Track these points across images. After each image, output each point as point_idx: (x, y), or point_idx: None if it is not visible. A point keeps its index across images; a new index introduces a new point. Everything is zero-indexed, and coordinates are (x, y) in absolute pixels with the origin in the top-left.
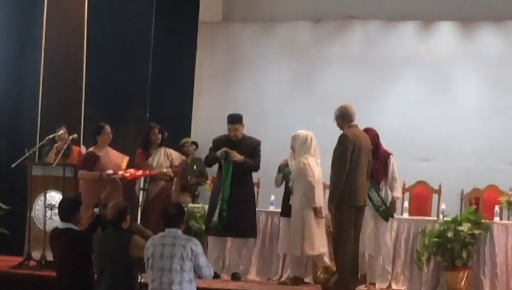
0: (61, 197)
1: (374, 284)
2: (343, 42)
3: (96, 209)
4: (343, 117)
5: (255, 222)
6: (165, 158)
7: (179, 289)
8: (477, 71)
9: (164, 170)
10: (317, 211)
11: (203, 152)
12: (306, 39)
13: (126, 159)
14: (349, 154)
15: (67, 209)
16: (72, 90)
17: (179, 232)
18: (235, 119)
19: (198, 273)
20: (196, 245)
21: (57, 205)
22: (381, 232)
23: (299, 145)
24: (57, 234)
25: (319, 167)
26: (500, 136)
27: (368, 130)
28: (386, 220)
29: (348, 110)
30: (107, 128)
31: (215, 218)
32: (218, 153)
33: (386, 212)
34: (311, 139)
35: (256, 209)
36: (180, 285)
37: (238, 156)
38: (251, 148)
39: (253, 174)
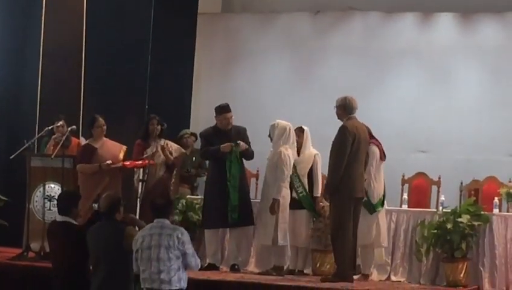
0: (59, 189)
1: (367, 276)
2: (343, 34)
3: (95, 205)
4: (345, 108)
5: (252, 210)
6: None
7: (167, 278)
8: (477, 63)
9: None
10: (274, 204)
11: None
12: (305, 30)
13: (124, 148)
14: (349, 145)
15: (65, 202)
16: (71, 81)
17: (166, 222)
18: (226, 109)
19: (184, 263)
20: (182, 234)
21: (55, 197)
22: (362, 222)
23: (278, 135)
24: (55, 227)
25: (293, 160)
26: (500, 127)
27: None
28: (370, 212)
29: (351, 102)
30: (100, 120)
31: (234, 215)
32: (224, 147)
33: (367, 205)
34: (290, 130)
35: (256, 200)
36: (168, 274)
37: (244, 145)
38: (241, 136)
39: (253, 165)
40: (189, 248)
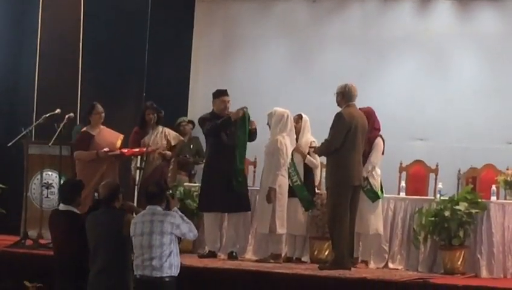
0: (57, 176)
1: (366, 262)
2: (341, 21)
3: (96, 194)
4: (344, 95)
5: (248, 196)
6: (161, 137)
7: (158, 264)
8: (474, 50)
9: (162, 151)
10: (270, 193)
11: (199, 131)
12: (303, 18)
13: (121, 137)
14: (344, 133)
15: (69, 192)
16: (68, 69)
17: (158, 208)
18: (224, 92)
19: (183, 239)
20: (174, 217)
21: (53, 184)
22: (365, 210)
23: (275, 122)
24: (57, 216)
25: (292, 147)
26: (497, 115)
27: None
28: (372, 200)
29: (350, 90)
30: (99, 107)
31: (240, 178)
32: (234, 113)
33: (370, 192)
34: (287, 117)
35: (253, 188)
36: (160, 260)
37: (254, 124)
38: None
39: (251, 153)
40: (184, 227)
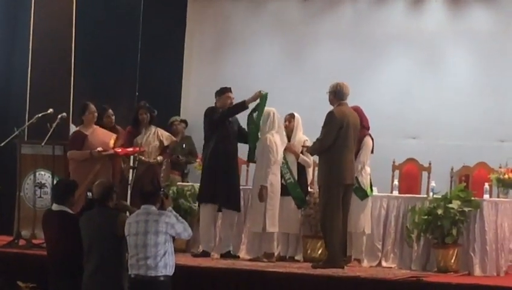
0: (50, 176)
1: (359, 261)
2: (333, 19)
3: (89, 193)
4: (335, 94)
5: (239, 196)
6: (154, 137)
7: (153, 264)
8: (467, 48)
9: (152, 161)
10: (261, 191)
11: (192, 130)
12: (296, 16)
13: (114, 137)
14: (336, 130)
15: (62, 192)
16: (61, 68)
17: (153, 208)
18: (229, 89)
19: (178, 237)
20: (169, 217)
21: (46, 184)
22: (353, 209)
23: (262, 121)
24: (50, 216)
25: (283, 145)
26: (490, 113)
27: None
28: (361, 198)
29: (342, 88)
30: (92, 107)
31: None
32: (250, 98)
33: (359, 191)
34: (274, 114)
35: (246, 187)
36: (155, 259)
37: None
38: (236, 119)
39: (244, 152)
40: (179, 227)
